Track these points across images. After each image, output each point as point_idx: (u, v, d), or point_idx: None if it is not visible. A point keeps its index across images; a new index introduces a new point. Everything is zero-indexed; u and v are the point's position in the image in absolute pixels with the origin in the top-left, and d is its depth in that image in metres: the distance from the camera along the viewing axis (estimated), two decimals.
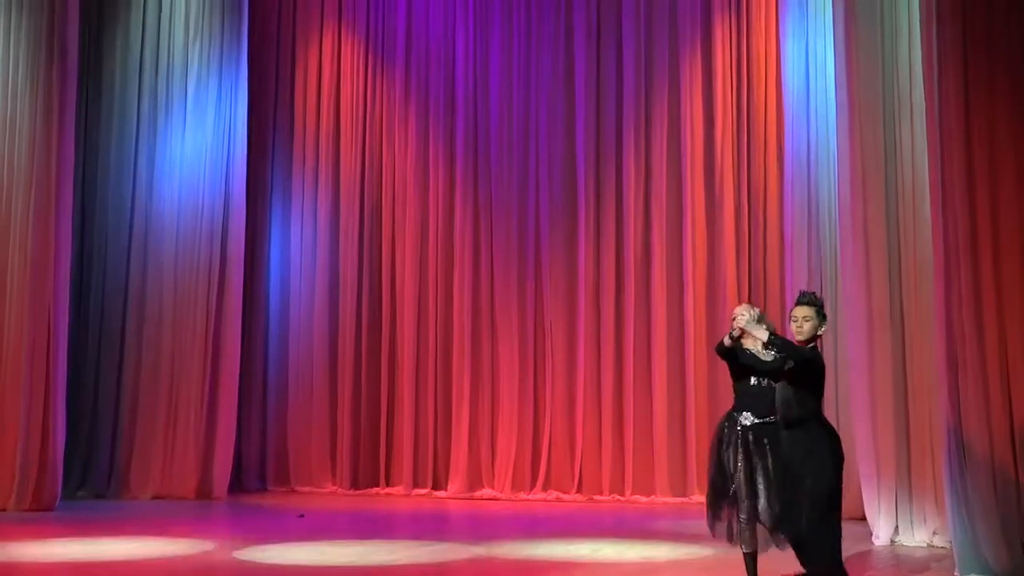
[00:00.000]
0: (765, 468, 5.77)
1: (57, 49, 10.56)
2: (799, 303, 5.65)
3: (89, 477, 11.76)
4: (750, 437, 5.83)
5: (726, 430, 5.93)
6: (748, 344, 5.90)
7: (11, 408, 10.23)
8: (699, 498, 9.91)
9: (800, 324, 5.60)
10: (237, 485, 12.29)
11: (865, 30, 8.74)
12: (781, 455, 5.64)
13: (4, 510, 10.04)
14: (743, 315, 5.80)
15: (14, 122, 10.54)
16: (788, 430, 5.55)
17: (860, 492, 8.84)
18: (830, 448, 5.53)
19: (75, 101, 10.94)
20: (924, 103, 7.75)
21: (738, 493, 5.82)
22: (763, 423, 5.80)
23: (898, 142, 8.58)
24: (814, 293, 5.83)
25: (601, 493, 11.78)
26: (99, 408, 11.84)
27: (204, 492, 11.60)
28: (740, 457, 5.81)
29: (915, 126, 8.41)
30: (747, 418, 5.87)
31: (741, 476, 5.80)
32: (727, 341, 5.87)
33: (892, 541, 8.32)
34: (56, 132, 10.53)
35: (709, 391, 11.44)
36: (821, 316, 5.63)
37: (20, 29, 10.59)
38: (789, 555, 5.84)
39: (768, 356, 5.84)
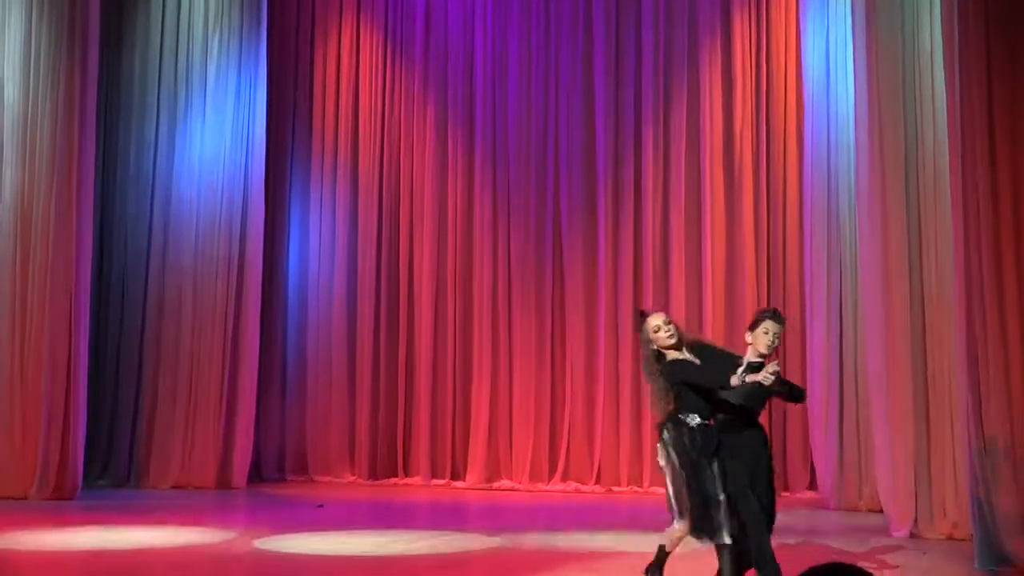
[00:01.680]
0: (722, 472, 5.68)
1: (78, 40, 10.59)
2: (778, 321, 5.82)
3: (110, 466, 11.84)
4: (703, 438, 5.70)
5: (681, 434, 5.72)
6: (678, 355, 5.79)
7: (33, 397, 10.30)
8: None
9: (772, 340, 5.76)
10: (256, 475, 12.36)
11: (885, 19, 8.69)
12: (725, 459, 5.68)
13: (26, 498, 10.10)
14: (770, 375, 5.50)
15: (35, 114, 10.58)
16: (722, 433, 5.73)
17: (878, 484, 8.83)
18: (763, 441, 5.80)
19: (95, 94, 10.97)
20: (945, 92, 7.70)
21: (731, 496, 5.63)
22: (706, 425, 5.73)
23: (919, 133, 8.51)
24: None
25: (619, 484, 11.79)
26: (120, 397, 11.92)
27: (224, 481, 11.66)
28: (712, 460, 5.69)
29: (936, 116, 8.35)
30: (693, 419, 5.73)
31: (719, 478, 5.65)
32: (766, 383, 5.50)
33: (911, 533, 8.27)
34: (76, 125, 10.55)
35: None
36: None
37: (41, 20, 10.63)
38: None
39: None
